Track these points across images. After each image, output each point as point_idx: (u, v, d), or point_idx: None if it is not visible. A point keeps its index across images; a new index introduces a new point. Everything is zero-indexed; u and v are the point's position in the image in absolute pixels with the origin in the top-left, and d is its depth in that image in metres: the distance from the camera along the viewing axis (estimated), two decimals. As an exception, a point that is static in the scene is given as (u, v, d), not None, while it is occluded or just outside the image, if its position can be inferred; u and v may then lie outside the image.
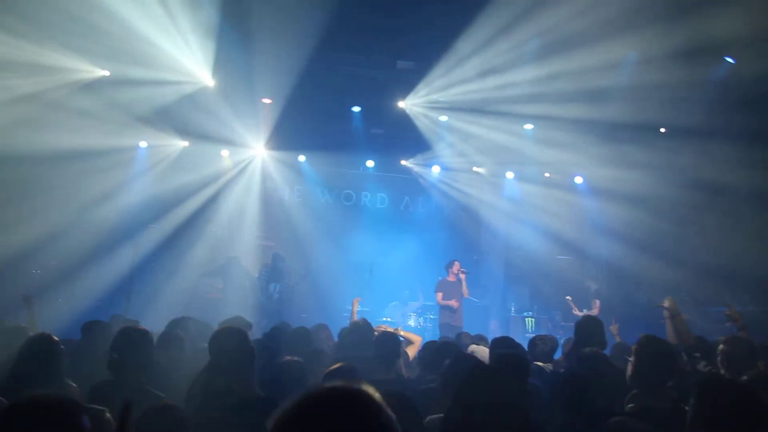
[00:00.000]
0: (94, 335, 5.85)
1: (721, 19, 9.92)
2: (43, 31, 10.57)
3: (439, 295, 12.22)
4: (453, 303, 12.02)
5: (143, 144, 14.74)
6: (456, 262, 12.55)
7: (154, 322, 7.02)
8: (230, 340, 4.20)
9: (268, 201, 16.11)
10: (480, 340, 7.25)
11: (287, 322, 8.23)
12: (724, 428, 2.79)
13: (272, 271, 13.23)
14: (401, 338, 6.44)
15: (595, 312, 13.20)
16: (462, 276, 12.34)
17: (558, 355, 6.45)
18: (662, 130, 14.08)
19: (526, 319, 14.67)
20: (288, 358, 4.69)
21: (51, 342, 4.31)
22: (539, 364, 5.69)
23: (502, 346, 5.47)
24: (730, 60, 11.60)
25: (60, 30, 10.59)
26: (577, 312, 13.38)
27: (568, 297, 13.78)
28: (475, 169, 16.59)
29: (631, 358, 3.89)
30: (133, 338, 4.41)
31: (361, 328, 6.39)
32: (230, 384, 3.93)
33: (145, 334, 4.52)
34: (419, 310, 14.26)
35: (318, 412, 1.38)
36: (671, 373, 3.78)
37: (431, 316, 13.86)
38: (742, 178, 12.51)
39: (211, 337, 4.38)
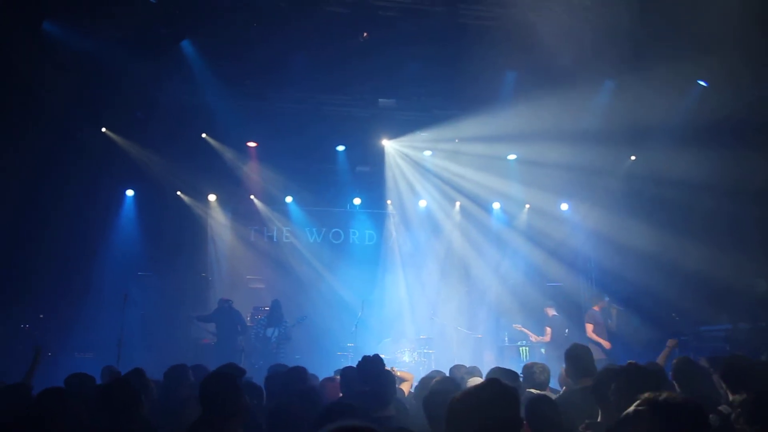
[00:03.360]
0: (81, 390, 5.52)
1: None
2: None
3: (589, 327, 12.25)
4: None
5: (130, 193, 14.78)
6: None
7: (149, 371, 6.98)
8: (220, 387, 4.06)
9: (258, 243, 16.15)
10: (474, 371, 7.26)
11: (285, 364, 8.20)
12: None
13: (271, 317, 13.23)
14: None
15: (546, 339, 13.33)
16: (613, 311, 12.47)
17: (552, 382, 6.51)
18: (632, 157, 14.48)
19: (520, 348, 14.62)
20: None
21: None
22: (533, 391, 5.72)
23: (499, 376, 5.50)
24: (702, 83, 11.90)
25: None
26: (533, 338, 13.53)
27: (517, 325, 13.93)
28: (459, 203, 16.71)
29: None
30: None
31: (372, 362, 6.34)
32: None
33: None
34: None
35: None
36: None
37: (426, 350, 13.82)
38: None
39: (201, 384, 4.19)
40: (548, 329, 13.42)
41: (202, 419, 3.91)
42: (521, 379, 5.97)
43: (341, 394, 6.12)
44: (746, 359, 5.15)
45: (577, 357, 5.48)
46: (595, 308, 12.60)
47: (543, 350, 12.92)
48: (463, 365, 7.71)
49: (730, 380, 4.74)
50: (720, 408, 4.32)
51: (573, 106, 12.40)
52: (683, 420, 2.57)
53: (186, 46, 11.66)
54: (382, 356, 6.40)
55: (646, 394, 2.73)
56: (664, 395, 2.67)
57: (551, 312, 13.64)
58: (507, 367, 5.97)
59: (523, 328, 13.77)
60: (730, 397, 4.59)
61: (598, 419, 4.18)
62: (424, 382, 6.06)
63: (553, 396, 5.51)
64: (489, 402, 2.55)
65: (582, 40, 11.05)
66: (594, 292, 14.83)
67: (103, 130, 13.36)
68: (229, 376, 4.22)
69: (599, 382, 4.30)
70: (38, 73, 10.72)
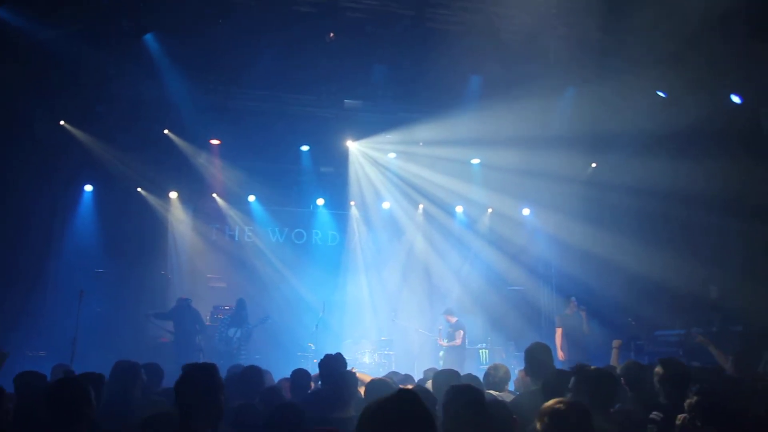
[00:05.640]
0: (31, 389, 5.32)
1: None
2: None
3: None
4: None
5: (89, 188, 14.49)
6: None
7: (103, 369, 6.83)
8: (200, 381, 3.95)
9: (219, 242, 15.98)
10: (407, 379, 7.31)
11: (242, 364, 8.11)
12: None
13: (234, 317, 13.05)
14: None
15: (457, 342, 13.37)
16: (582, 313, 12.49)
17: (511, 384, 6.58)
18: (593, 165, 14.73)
19: (480, 351, 14.77)
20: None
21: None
22: (493, 393, 5.77)
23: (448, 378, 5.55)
24: (661, 94, 12.15)
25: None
26: (441, 342, 13.62)
27: (421, 329, 14.16)
28: (422, 205, 16.78)
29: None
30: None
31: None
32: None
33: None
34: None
35: None
36: (613, 399, 3.93)
37: (387, 352, 13.86)
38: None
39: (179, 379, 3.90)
40: (461, 332, 13.44)
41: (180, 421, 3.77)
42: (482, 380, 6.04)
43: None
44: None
45: (534, 357, 5.52)
46: (567, 311, 12.73)
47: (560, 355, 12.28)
48: (397, 372, 7.72)
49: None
50: (652, 416, 4.39)
51: (536, 112, 12.55)
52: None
53: (149, 39, 11.48)
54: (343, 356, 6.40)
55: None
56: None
57: (453, 319, 13.72)
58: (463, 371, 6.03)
59: (439, 333, 13.86)
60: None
61: None
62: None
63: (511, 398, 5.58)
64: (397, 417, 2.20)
65: (546, 47, 11.23)
66: (563, 296, 14.95)
67: (62, 123, 13.07)
68: (207, 375, 3.87)
69: (546, 383, 4.34)
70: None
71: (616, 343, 7.90)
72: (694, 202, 12.47)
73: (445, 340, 13.61)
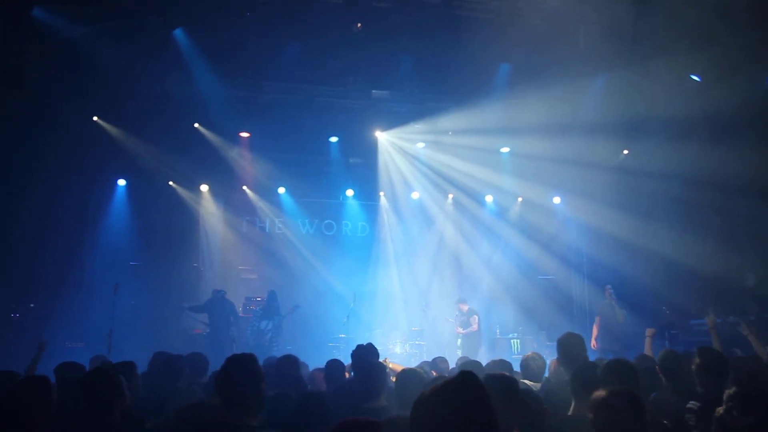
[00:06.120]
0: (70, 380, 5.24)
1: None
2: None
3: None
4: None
5: (122, 182, 14.71)
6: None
7: (138, 360, 6.94)
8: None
9: (250, 234, 16.12)
10: (438, 362, 7.29)
11: (275, 356, 8.16)
12: None
13: (266, 309, 13.11)
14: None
15: (474, 328, 13.40)
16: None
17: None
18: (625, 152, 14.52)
19: (512, 341, 14.71)
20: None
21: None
22: (527, 382, 5.74)
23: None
24: (696, 78, 11.91)
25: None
26: (459, 330, 13.57)
27: (450, 319, 14.02)
28: (451, 195, 16.71)
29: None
30: None
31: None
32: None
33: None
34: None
35: None
36: (641, 390, 3.89)
37: (418, 342, 13.87)
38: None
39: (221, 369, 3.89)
40: (475, 317, 13.48)
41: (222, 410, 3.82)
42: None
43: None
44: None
45: (567, 347, 5.44)
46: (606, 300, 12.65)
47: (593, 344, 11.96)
48: (428, 362, 7.69)
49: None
50: (690, 405, 4.33)
51: (566, 99, 12.41)
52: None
53: (179, 35, 11.60)
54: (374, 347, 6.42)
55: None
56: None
57: (465, 306, 13.67)
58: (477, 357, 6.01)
59: (456, 321, 13.83)
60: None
61: (570, 412, 4.18)
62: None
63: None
64: (455, 400, 2.13)
65: (577, 33, 11.07)
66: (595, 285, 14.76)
67: (95, 119, 13.28)
68: (248, 365, 3.87)
69: (576, 374, 4.29)
70: (28, 61, 10.63)
71: (649, 331, 7.77)
72: (730, 189, 12.22)
73: (461, 328, 13.61)
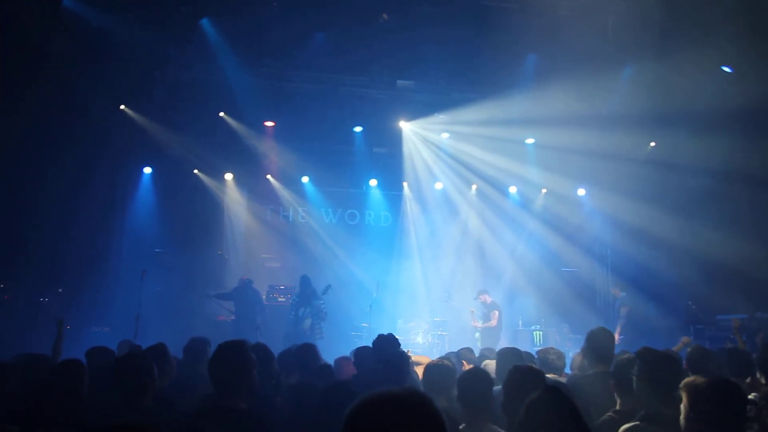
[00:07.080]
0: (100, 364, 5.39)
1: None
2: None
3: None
4: None
5: (147, 170, 14.88)
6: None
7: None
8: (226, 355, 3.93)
9: (273, 222, 16.22)
10: (469, 352, 7.30)
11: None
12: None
13: (301, 296, 12.77)
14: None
15: (493, 323, 13.20)
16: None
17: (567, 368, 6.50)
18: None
19: (534, 333, 14.64)
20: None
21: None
22: (550, 376, 5.72)
23: (511, 357, 5.52)
24: (727, 70, 11.72)
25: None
26: (476, 324, 13.43)
27: (472, 309, 13.85)
28: (475, 185, 16.65)
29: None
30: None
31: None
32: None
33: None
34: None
35: None
36: (677, 381, 3.83)
37: (440, 332, 13.86)
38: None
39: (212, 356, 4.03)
40: (495, 313, 13.33)
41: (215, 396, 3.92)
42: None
43: (356, 372, 6.17)
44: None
45: (596, 341, 5.37)
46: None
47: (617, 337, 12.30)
48: (452, 352, 7.68)
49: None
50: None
51: (593, 91, 12.26)
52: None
53: (205, 24, 11.66)
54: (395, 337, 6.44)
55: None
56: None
57: (489, 299, 13.55)
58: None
59: (472, 314, 13.71)
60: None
61: (617, 407, 4.14)
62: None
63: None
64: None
65: (604, 24, 10.92)
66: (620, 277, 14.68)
67: (122, 107, 13.43)
68: (237, 352, 3.96)
69: (619, 367, 4.25)
70: (59, 49, 10.76)
71: (685, 339, 7.65)
72: (759, 182, 12.02)
73: (480, 321, 13.50)
